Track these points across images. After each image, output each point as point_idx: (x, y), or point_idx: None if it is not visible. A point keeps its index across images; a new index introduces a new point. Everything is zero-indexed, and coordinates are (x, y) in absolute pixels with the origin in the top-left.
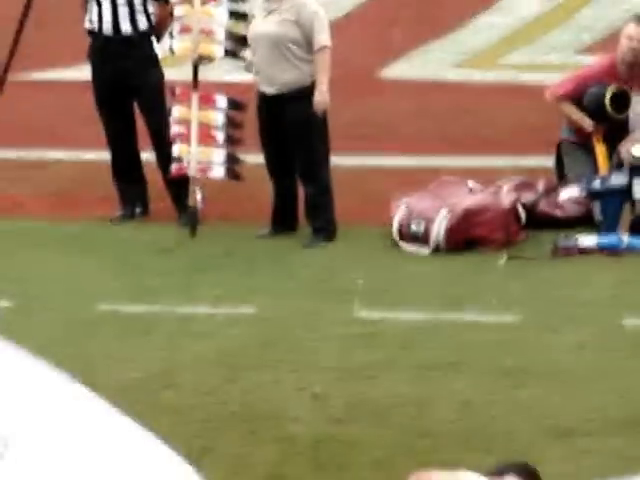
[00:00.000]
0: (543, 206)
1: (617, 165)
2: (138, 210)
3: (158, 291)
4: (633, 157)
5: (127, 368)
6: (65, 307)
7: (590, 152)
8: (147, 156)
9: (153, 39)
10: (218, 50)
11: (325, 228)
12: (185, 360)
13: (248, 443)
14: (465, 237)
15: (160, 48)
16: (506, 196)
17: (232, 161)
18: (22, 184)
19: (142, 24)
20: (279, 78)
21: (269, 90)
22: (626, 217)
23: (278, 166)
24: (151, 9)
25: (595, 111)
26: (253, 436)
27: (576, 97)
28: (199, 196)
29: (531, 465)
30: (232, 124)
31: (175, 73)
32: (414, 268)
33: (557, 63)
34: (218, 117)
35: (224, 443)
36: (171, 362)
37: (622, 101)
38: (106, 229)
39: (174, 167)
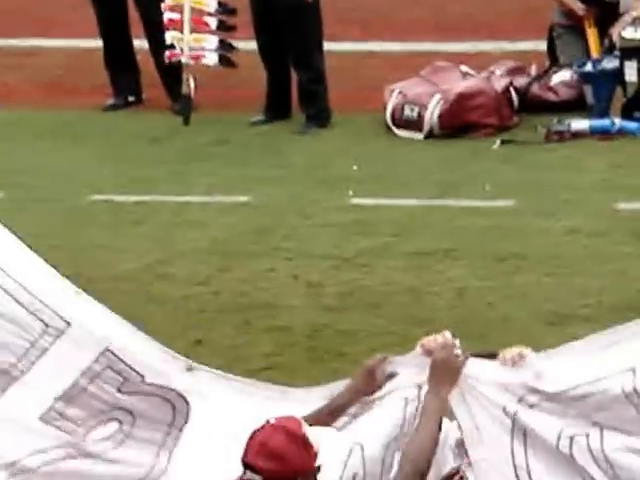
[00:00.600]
0: (535, 90)
1: (608, 48)
2: (131, 98)
3: (151, 180)
4: (624, 40)
5: (120, 259)
6: (57, 198)
7: (582, 35)
8: (140, 43)
9: None
10: None
11: (319, 115)
12: (179, 250)
13: (243, 333)
14: (458, 122)
15: None
16: (499, 80)
17: (225, 48)
18: (13, 72)
19: None
20: None
21: None
22: (618, 100)
23: (271, 53)
24: None
25: None
26: (248, 326)
27: None
28: (192, 84)
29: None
30: (225, 11)
31: None
32: (408, 154)
33: None
34: (211, 3)
35: (218, 334)
36: (164, 252)
37: None
38: (99, 118)
39: (167, 54)
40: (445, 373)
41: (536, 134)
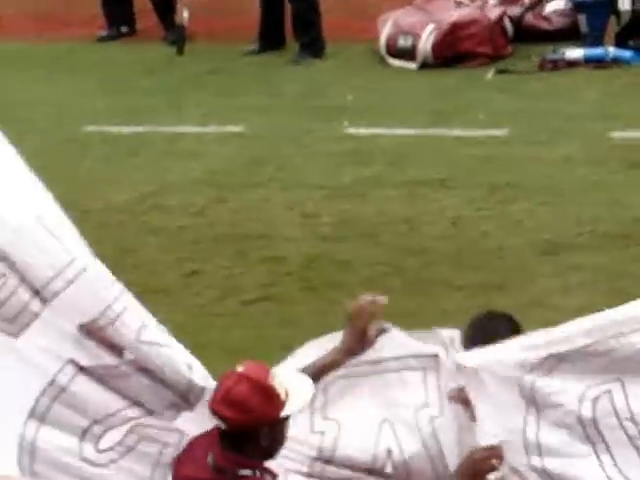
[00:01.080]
0: (529, 19)
1: None
2: (124, 29)
3: (145, 111)
4: None
5: (115, 190)
6: (51, 129)
7: None
8: None
9: None
10: None
11: (312, 44)
12: (173, 181)
13: (237, 264)
14: (452, 52)
15: None
16: (492, 10)
17: None
18: (4, 5)
19: None
20: None
21: None
22: (611, 29)
23: None
24: None
25: None
26: (242, 257)
27: None
28: (186, 13)
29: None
30: None
31: None
32: (402, 84)
33: None
34: None
35: (213, 265)
36: (159, 183)
37: None
38: (92, 49)
39: None
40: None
41: (530, 63)
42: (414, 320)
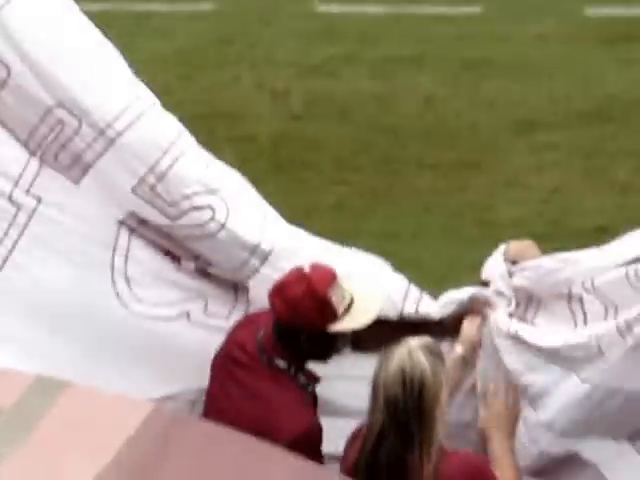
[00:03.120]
0: None
1: None
2: None
3: None
4: None
5: None
6: None
7: None
8: None
9: None
10: None
11: None
12: (142, 59)
13: (207, 143)
14: None
15: None
16: None
17: None
18: None
19: None
20: None
21: None
22: None
23: None
24: None
25: None
26: (212, 136)
27: None
28: None
29: None
30: None
31: None
32: None
33: None
34: None
35: None
36: (128, 61)
37: None
38: None
39: None
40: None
41: None
42: (384, 199)
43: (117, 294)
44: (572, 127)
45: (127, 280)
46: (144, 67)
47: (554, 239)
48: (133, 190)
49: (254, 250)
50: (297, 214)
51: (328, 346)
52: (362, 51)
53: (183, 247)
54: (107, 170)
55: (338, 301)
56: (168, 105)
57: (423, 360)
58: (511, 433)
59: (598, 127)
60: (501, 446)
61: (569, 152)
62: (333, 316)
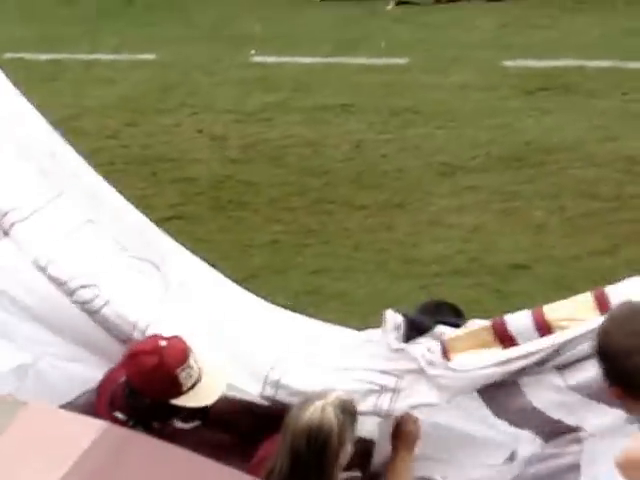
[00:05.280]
0: None
1: None
2: None
3: (62, 39)
4: None
5: None
6: None
7: None
8: None
9: None
10: None
11: None
12: (89, 105)
13: (150, 185)
14: None
15: None
16: None
17: None
18: None
19: None
20: None
21: None
22: None
23: None
24: None
25: None
26: (155, 178)
27: None
28: None
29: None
30: None
31: None
32: (308, 14)
33: None
34: None
35: (128, 184)
36: (76, 108)
37: None
38: None
39: None
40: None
41: None
42: (316, 238)
43: None
44: (491, 171)
45: None
46: (93, 113)
47: (473, 275)
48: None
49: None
50: (235, 250)
51: (169, 414)
52: (295, 99)
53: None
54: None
55: (186, 378)
56: (116, 148)
57: (332, 418)
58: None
59: (515, 171)
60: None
61: (488, 194)
62: (177, 392)
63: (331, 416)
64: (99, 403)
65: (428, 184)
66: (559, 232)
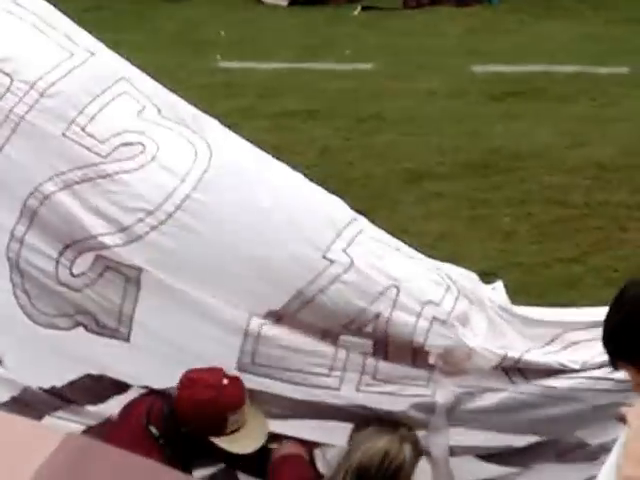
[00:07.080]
0: None
1: None
2: None
3: None
4: None
5: None
6: None
7: None
8: None
9: None
10: None
11: None
12: None
13: None
14: None
15: None
16: None
17: None
18: None
19: None
20: None
21: None
22: None
23: None
24: None
25: None
26: None
27: None
28: None
29: None
30: None
31: None
32: (274, 20)
33: None
34: None
35: None
36: None
37: None
38: None
39: None
40: None
41: (395, 0)
42: None
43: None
44: (459, 178)
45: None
46: None
47: None
48: (63, 134)
49: (184, 179)
50: None
51: (199, 447)
52: (261, 105)
53: (100, 213)
54: (36, 122)
55: (232, 423)
56: None
57: (407, 453)
58: None
59: (483, 178)
60: None
61: (456, 201)
62: (220, 432)
63: (407, 451)
64: (134, 408)
65: (394, 191)
66: (527, 239)
